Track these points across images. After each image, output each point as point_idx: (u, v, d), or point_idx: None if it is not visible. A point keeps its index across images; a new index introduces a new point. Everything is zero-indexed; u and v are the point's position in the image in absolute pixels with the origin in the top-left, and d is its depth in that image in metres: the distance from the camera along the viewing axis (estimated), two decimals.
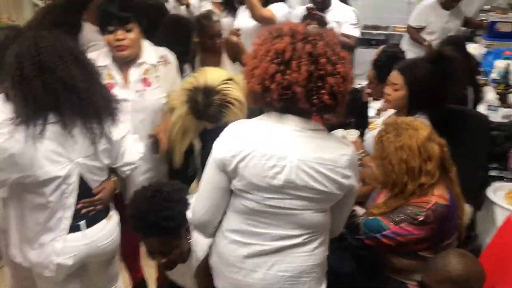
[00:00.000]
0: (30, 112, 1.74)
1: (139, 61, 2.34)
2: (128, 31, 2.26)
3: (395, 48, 3.08)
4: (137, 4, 2.38)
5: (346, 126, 2.76)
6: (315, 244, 1.60)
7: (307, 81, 1.41)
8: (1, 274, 2.54)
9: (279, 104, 1.47)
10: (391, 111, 2.49)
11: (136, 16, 2.30)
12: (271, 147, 1.48)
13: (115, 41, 2.24)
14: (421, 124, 1.92)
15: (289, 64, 1.41)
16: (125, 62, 2.34)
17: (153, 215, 1.69)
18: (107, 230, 2.02)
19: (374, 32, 5.79)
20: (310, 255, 1.59)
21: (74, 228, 1.91)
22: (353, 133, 2.53)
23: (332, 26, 3.44)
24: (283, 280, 1.57)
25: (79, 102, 1.79)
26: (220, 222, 1.64)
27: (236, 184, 1.53)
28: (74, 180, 1.88)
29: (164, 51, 2.46)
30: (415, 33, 4.41)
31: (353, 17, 3.75)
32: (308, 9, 3.50)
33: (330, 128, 2.76)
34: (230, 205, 1.60)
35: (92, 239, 1.96)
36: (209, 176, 1.59)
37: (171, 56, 2.48)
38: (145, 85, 2.34)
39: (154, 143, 2.31)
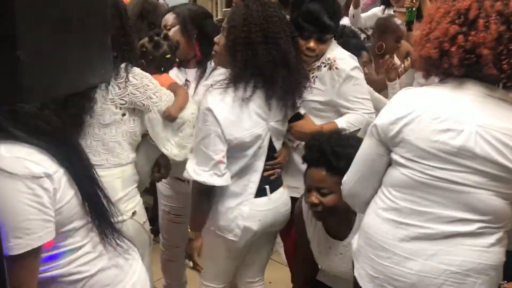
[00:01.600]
0: (245, 75, 1.79)
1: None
2: (323, 42, 2.13)
3: None
4: (339, 12, 2.25)
5: None
6: (492, 239, 1.31)
7: (496, 43, 1.23)
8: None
9: (459, 71, 1.30)
10: None
11: (336, 26, 2.17)
12: (445, 109, 1.29)
13: (306, 49, 2.11)
14: None
15: (475, 24, 1.25)
16: None
17: (326, 145, 1.73)
18: (285, 197, 2.03)
19: None
20: (484, 251, 1.31)
21: (260, 192, 1.91)
22: None
23: None
24: (446, 276, 1.31)
25: (288, 76, 1.83)
26: (373, 199, 1.46)
27: (398, 152, 1.35)
28: (266, 143, 1.89)
29: (338, 54, 2.18)
30: None
31: None
32: None
33: None
34: (387, 179, 1.41)
35: (275, 204, 1.96)
36: (364, 146, 1.47)
37: (344, 63, 2.15)
38: None
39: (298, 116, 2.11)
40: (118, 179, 1.82)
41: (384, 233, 1.39)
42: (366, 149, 1.46)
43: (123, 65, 1.76)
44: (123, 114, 1.78)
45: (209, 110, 1.75)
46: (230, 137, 1.78)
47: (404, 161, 1.34)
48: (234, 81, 1.79)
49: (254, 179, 1.89)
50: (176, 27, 2.22)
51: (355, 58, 2.26)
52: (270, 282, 2.82)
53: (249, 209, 1.88)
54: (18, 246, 1.05)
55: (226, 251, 1.97)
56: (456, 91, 1.32)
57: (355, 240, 1.54)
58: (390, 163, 1.41)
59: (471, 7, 1.27)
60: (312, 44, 2.08)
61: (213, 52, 1.95)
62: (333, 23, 2.11)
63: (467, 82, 1.31)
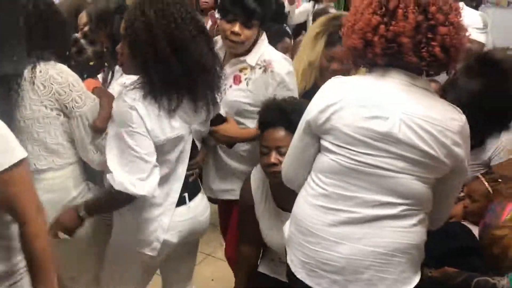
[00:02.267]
0: (164, 89, 1.62)
1: (242, 58, 2.12)
2: (248, 27, 2.04)
3: None
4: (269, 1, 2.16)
5: None
6: (414, 220, 1.39)
7: (415, 32, 1.30)
8: None
9: (382, 60, 1.36)
10: None
11: (263, 13, 2.06)
12: (372, 97, 1.36)
13: (230, 33, 2.04)
14: None
15: (395, 14, 1.31)
16: (231, 53, 2.16)
17: (285, 104, 1.83)
18: (204, 204, 1.93)
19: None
20: (407, 232, 1.39)
21: (179, 201, 1.78)
22: None
23: None
24: (373, 257, 1.37)
25: (208, 79, 1.73)
26: (303, 187, 1.51)
27: (328, 139, 1.41)
28: (188, 147, 1.77)
29: (274, 57, 2.12)
30: None
31: (479, 21, 3.35)
32: None
33: None
34: (317, 165, 1.47)
35: (194, 213, 1.85)
36: (296, 137, 1.52)
37: (279, 67, 2.09)
38: (234, 82, 2.11)
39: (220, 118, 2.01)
40: (70, 179, 1.79)
41: (314, 219, 1.43)
42: (298, 139, 1.51)
43: (49, 62, 1.70)
44: (58, 114, 1.73)
45: (132, 108, 1.59)
46: (155, 139, 1.63)
47: (333, 148, 1.39)
48: (154, 95, 1.62)
49: (176, 188, 1.76)
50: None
51: (290, 61, 2.23)
52: (212, 280, 2.82)
53: (169, 220, 1.75)
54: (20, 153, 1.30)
55: (142, 266, 1.83)
56: (382, 80, 1.38)
57: (286, 228, 1.58)
58: (319, 150, 1.46)
59: None
60: (236, 28, 2.02)
61: (118, 62, 1.77)
62: (260, 8, 2.02)
63: (391, 71, 1.37)
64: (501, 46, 5.44)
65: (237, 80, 2.12)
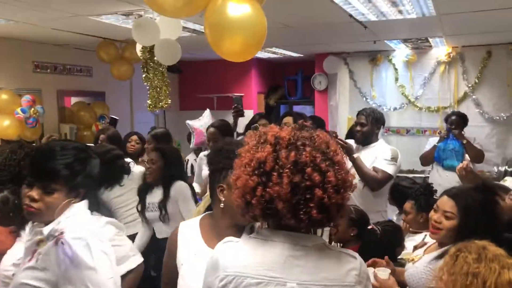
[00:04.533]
0: None
1: (39, 228, 1.72)
2: (48, 193, 1.69)
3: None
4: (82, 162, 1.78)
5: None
6: None
7: (291, 194, 1.24)
8: None
9: (264, 220, 1.35)
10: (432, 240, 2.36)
11: (72, 177, 1.72)
12: (266, 271, 1.29)
13: (26, 197, 1.69)
14: (511, 265, 1.57)
15: (270, 176, 1.27)
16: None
17: None
18: None
19: (410, 175, 5.50)
20: None
21: None
22: (383, 272, 2.21)
23: (358, 155, 3.41)
24: None
25: None
26: None
27: None
28: None
29: (73, 225, 1.68)
30: None
31: (389, 154, 3.52)
32: (330, 132, 3.23)
33: None
34: None
35: None
36: None
37: (73, 238, 1.63)
38: (29, 260, 1.70)
39: None
40: None
41: None
42: None
43: None
44: None
45: None
46: None
47: None
48: None
49: None
50: None
51: (99, 235, 1.75)
52: None
53: None
54: None
55: None
56: (271, 243, 1.31)
57: None
58: None
59: (267, 159, 1.27)
60: (33, 193, 1.67)
61: None
62: (67, 171, 1.69)
63: (278, 233, 1.32)
64: (406, 167, 5.87)
65: (32, 257, 1.70)
